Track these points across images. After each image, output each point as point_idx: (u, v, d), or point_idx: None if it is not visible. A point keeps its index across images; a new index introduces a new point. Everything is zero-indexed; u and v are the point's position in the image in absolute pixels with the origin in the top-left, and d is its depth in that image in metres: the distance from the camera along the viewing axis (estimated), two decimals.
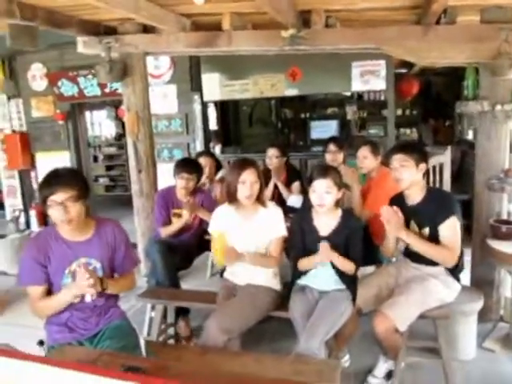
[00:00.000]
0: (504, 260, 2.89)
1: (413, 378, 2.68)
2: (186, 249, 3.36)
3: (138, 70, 3.79)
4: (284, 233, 2.55)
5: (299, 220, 2.58)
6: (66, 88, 5.88)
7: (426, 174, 4.27)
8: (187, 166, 3.34)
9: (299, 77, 5.06)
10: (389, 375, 2.67)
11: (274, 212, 2.58)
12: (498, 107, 3.00)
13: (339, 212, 2.50)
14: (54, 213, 1.95)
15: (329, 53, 4.00)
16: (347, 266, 2.40)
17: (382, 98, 7.55)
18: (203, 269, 4.44)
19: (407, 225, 2.51)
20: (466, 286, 3.22)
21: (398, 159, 2.49)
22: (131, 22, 3.55)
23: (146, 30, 3.69)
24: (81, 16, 3.42)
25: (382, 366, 2.68)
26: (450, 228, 2.39)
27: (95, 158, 9.39)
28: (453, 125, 7.46)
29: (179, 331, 3.17)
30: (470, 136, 6.72)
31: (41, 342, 2.13)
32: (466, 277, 3.49)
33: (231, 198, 2.54)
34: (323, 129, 7.52)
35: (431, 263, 2.51)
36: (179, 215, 3.33)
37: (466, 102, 3.21)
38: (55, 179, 1.98)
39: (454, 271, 2.54)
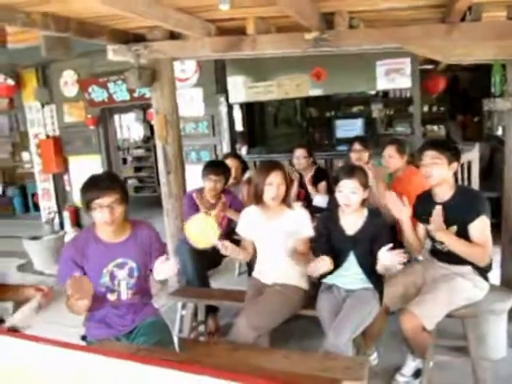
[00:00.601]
0: None
1: (441, 377, 2.68)
2: (214, 248, 3.43)
3: (166, 75, 3.91)
4: (311, 234, 2.61)
5: (325, 220, 2.63)
6: (97, 94, 6.09)
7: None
8: (214, 167, 3.43)
9: (324, 77, 5.09)
10: (417, 374, 2.68)
11: (300, 214, 2.64)
12: None
13: (365, 211, 2.53)
14: (99, 215, 2.06)
15: (353, 53, 4.02)
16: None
17: (408, 95, 7.47)
18: (231, 268, 4.54)
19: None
20: (495, 285, 3.19)
21: (430, 155, 2.47)
22: (159, 29, 3.66)
23: (173, 36, 3.79)
24: (111, 26, 3.56)
25: (410, 365, 2.69)
26: (481, 227, 2.38)
27: (124, 160, 9.63)
28: (481, 121, 7.31)
29: (208, 328, 3.27)
30: (499, 132, 6.59)
31: (83, 337, 2.25)
32: (495, 276, 3.46)
33: (258, 199, 2.61)
34: (349, 127, 7.47)
35: (458, 262, 2.51)
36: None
37: (494, 99, 3.18)
38: (102, 183, 2.08)
39: (482, 270, 2.53)
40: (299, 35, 3.35)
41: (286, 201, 2.61)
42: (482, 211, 2.38)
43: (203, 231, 2.55)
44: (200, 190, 3.51)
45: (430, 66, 6.79)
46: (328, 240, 2.55)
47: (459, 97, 7.64)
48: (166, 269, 2.14)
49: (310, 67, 5.08)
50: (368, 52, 4.36)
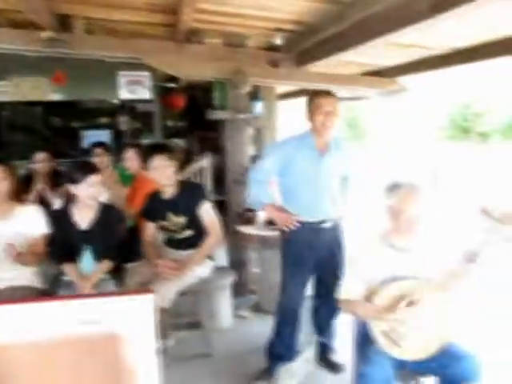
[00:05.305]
0: (249, 240, 3.53)
1: (181, 351, 3.02)
2: None
3: None
4: (45, 230, 2.57)
5: (58, 217, 2.64)
6: None
7: (191, 175, 4.80)
8: None
9: (65, 81, 4.94)
10: (159, 353, 2.93)
11: (32, 210, 2.58)
12: (239, 116, 3.65)
13: (96, 205, 2.65)
14: None
15: (96, 60, 4.10)
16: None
17: (153, 109, 7.91)
18: None
19: (164, 217, 2.84)
20: (224, 265, 3.78)
21: (159, 160, 2.75)
22: None
23: None
24: None
25: None
26: (207, 211, 2.81)
27: None
28: (217, 136, 8.33)
29: None
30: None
31: None
32: (224, 259, 4.09)
33: None
34: (97, 138, 7.39)
35: (188, 247, 2.88)
36: None
37: (216, 111, 3.80)
38: None
39: None
40: (35, 33, 3.26)
41: (17, 197, 2.51)
42: (204, 197, 2.83)
43: None
44: None
45: (172, 84, 7.42)
46: (62, 236, 2.57)
47: (196, 114, 8.50)
48: None
49: (49, 70, 4.87)
50: (111, 61, 4.52)
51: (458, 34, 2.88)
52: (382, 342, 1.98)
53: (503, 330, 3.25)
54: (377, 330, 1.99)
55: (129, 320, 0.74)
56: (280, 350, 2.70)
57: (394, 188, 2.06)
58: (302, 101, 5.94)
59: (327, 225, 2.63)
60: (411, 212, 1.99)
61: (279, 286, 2.72)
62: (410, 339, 1.95)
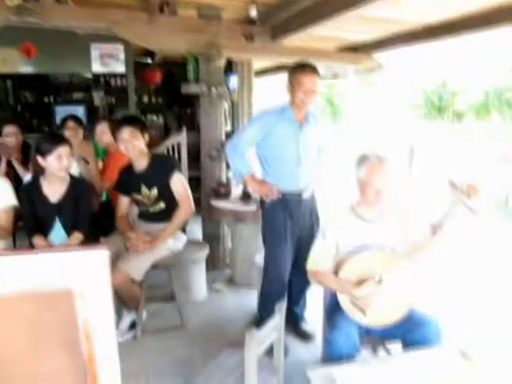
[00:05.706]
0: (223, 215, 3.53)
1: (155, 324, 3.05)
2: None
3: None
4: (13, 202, 2.54)
5: (28, 190, 2.62)
6: None
7: (168, 151, 4.76)
8: None
9: (34, 53, 4.79)
10: (132, 325, 2.95)
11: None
12: (213, 89, 3.61)
13: (67, 178, 2.64)
14: None
15: (67, 31, 3.98)
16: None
17: (129, 84, 7.74)
18: None
19: (138, 190, 2.83)
20: (198, 240, 3.80)
21: (128, 132, 2.74)
22: None
23: None
24: None
25: (126, 319, 2.93)
26: (179, 181, 2.81)
27: None
28: (194, 113, 8.24)
29: None
30: None
31: None
32: (199, 233, 4.12)
33: None
34: (71, 114, 7.25)
35: (159, 221, 2.88)
36: None
37: (190, 85, 3.74)
38: None
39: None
40: (1, 1, 3.13)
41: None
42: (174, 168, 2.82)
43: None
44: None
45: (148, 60, 7.26)
46: (33, 209, 2.55)
47: (174, 90, 8.37)
48: None
49: (19, 41, 4.71)
50: (82, 33, 4.40)
51: (433, 8, 2.88)
52: (348, 309, 2.04)
53: (463, 299, 3.40)
54: (344, 298, 2.05)
55: (84, 275, 0.75)
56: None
57: (362, 160, 2.10)
58: (279, 77, 5.89)
59: (306, 195, 2.68)
60: (378, 184, 2.03)
61: (264, 259, 2.74)
62: (376, 307, 2.01)
